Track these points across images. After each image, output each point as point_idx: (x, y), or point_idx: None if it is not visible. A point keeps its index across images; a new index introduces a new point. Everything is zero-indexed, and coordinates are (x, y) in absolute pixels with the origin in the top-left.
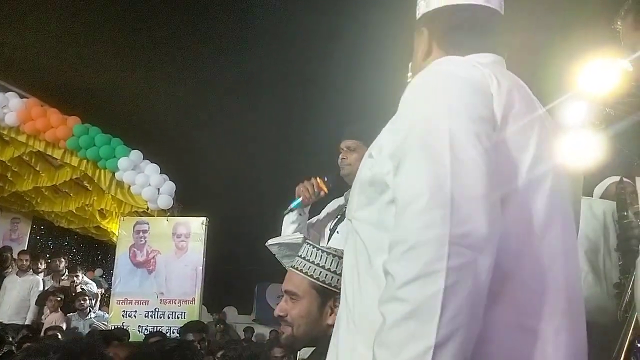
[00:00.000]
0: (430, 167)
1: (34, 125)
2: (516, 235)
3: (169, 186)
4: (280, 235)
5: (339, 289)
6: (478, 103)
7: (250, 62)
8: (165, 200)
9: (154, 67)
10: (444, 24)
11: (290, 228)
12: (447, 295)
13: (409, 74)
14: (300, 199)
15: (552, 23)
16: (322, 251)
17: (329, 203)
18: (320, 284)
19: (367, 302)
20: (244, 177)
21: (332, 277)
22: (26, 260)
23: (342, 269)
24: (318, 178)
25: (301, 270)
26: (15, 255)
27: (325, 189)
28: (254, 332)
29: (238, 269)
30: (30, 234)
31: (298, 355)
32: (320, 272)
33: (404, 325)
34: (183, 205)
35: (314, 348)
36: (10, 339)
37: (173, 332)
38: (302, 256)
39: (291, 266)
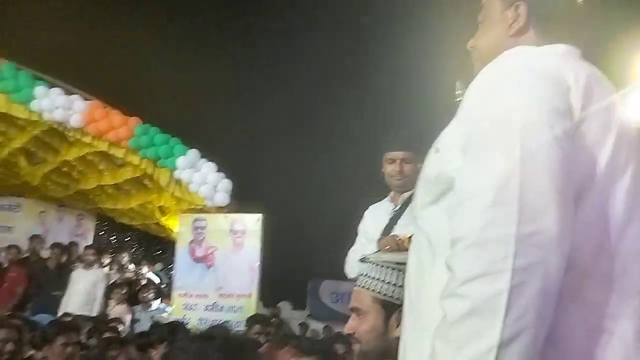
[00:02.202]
0: (499, 160)
1: (97, 126)
2: (593, 232)
3: (225, 184)
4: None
5: (402, 301)
6: (553, 95)
7: (318, 54)
8: (222, 197)
9: (211, 68)
10: (544, 7)
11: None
12: (513, 295)
13: (470, 44)
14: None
15: (616, 15)
16: (382, 266)
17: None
18: (382, 297)
19: (432, 299)
20: (299, 175)
21: (394, 289)
22: (92, 254)
23: (407, 268)
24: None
25: (364, 287)
26: (81, 250)
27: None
28: (308, 327)
29: (293, 265)
30: (94, 230)
31: None
32: (382, 286)
33: (466, 322)
34: (239, 202)
35: None
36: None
37: (239, 325)
38: (364, 274)
39: (355, 285)
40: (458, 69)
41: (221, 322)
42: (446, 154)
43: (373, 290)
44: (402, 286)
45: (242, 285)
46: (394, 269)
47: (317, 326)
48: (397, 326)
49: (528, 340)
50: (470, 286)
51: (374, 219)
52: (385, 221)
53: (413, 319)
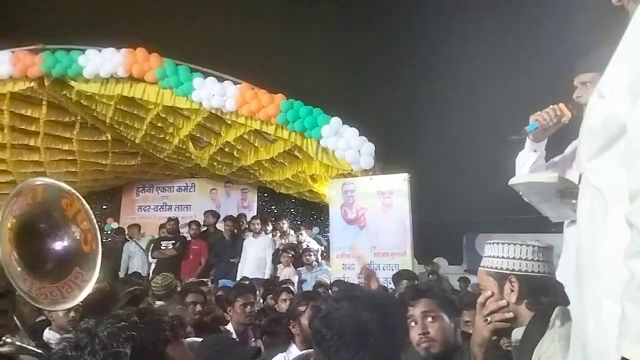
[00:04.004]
0: None
1: (249, 107)
2: None
3: (368, 147)
4: (509, 181)
5: (512, 269)
6: None
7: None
8: (366, 160)
9: (343, 35)
10: None
11: (524, 168)
12: None
13: None
14: (537, 123)
15: None
16: (493, 244)
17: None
18: (492, 269)
19: (606, 255)
20: (446, 130)
21: (502, 261)
22: (257, 223)
23: (577, 224)
24: (561, 103)
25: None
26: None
27: (569, 114)
28: (469, 282)
29: (445, 220)
30: (257, 201)
31: (512, 336)
32: (492, 260)
33: None
34: (384, 163)
35: (525, 327)
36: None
37: (389, 283)
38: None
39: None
40: None
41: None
42: (612, 97)
43: (484, 266)
44: (512, 258)
45: (395, 243)
46: (497, 243)
47: (476, 280)
48: (512, 291)
49: None
50: None
51: (573, 144)
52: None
53: (586, 278)
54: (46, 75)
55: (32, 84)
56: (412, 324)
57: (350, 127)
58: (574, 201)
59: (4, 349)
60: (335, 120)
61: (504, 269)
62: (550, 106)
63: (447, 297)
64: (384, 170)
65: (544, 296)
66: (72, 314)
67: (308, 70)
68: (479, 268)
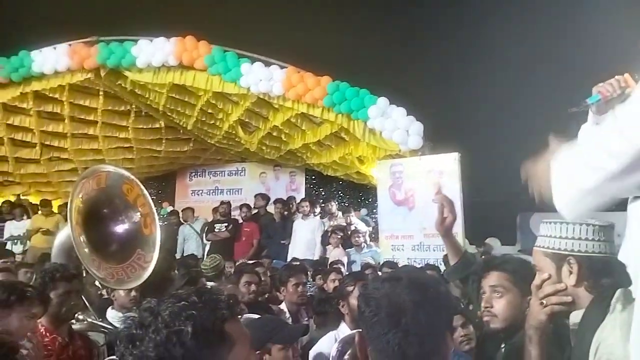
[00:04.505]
0: None
1: (296, 90)
2: None
3: (417, 127)
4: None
5: (570, 250)
6: None
7: None
8: (415, 140)
9: (387, 20)
10: None
11: None
12: None
13: None
14: (599, 95)
15: None
16: (549, 223)
17: None
18: (548, 250)
19: None
20: (494, 106)
21: (560, 242)
22: (306, 206)
23: None
24: (627, 74)
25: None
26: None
27: (634, 85)
28: None
29: (498, 199)
30: (305, 184)
31: (570, 319)
32: (548, 240)
33: None
34: (433, 143)
35: (584, 311)
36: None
37: (441, 264)
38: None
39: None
40: None
41: (428, 261)
42: None
43: (540, 246)
44: (567, 238)
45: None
46: (554, 223)
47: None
48: (571, 274)
49: None
50: None
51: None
52: None
53: None
54: (102, 66)
55: (89, 75)
56: (483, 294)
57: (398, 107)
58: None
59: (77, 326)
60: (382, 101)
61: (562, 250)
62: (615, 77)
63: (521, 273)
64: (434, 149)
65: (605, 278)
66: (133, 293)
67: (355, 51)
68: (534, 248)
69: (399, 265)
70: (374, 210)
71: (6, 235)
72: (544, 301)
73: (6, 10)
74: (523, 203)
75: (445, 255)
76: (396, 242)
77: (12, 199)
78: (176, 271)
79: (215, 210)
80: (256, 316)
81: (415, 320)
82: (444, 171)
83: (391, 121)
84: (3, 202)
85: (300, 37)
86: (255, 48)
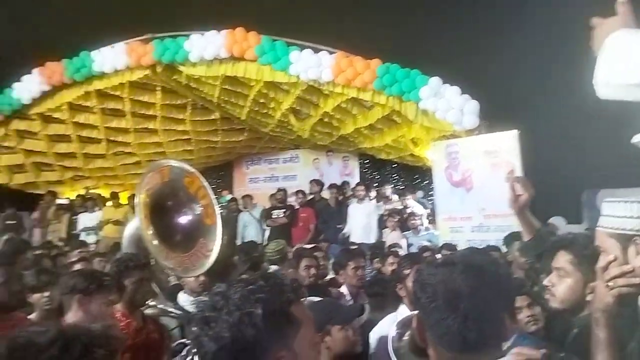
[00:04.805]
0: None
1: (345, 75)
2: None
3: (472, 105)
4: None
5: (638, 230)
6: None
7: None
8: (470, 119)
9: None
10: None
11: None
12: None
13: None
14: None
15: None
16: (613, 202)
17: None
18: (613, 230)
19: None
20: (554, 80)
21: (626, 221)
22: (361, 190)
23: None
24: None
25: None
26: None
27: None
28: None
29: (561, 177)
30: (359, 168)
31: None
32: (613, 220)
33: None
34: (490, 121)
35: None
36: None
37: (501, 245)
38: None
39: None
40: None
41: (489, 242)
42: None
43: (604, 227)
44: (629, 217)
45: (506, 204)
46: (619, 202)
47: None
48: (638, 255)
49: None
50: None
51: None
52: None
53: None
54: (157, 63)
55: (147, 72)
56: (549, 273)
57: (452, 85)
58: None
59: (149, 311)
60: (435, 80)
61: (628, 230)
62: None
63: (587, 255)
64: (491, 128)
65: None
66: (202, 278)
67: (403, 31)
68: (597, 229)
69: (458, 248)
70: (430, 193)
71: (80, 227)
72: (611, 283)
73: (66, 13)
74: (589, 179)
75: (507, 236)
76: (454, 224)
77: (83, 192)
78: (237, 257)
79: (271, 197)
80: (317, 299)
81: (473, 305)
82: (503, 149)
83: (444, 101)
84: (76, 196)
85: (348, 21)
86: (303, 35)
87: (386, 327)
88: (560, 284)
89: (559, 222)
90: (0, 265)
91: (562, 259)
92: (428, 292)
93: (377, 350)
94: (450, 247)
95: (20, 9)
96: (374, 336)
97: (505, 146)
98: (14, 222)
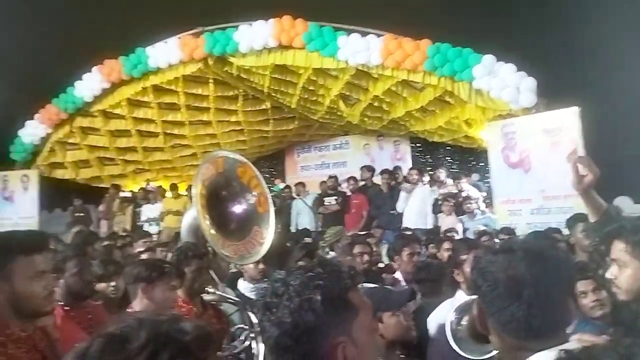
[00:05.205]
0: None
1: (394, 58)
2: None
3: (528, 82)
4: None
5: None
6: None
7: None
8: (527, 97)
9: None
10: None
11: None
12: None
13: None
14: None
15: None
16: None
17: None
18: None
19: None
20: (616, 52)
21: None
22: (415, 174)
23: None
24: None
25: None
26: (404, 173)
27: None
28: None
29: (626, 154)
30: (411, 152)
31: None
32: None
33: None
34: (548, 99)
35: None
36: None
37: (563, 227)
38: None
39: None
40: None
41: (550, 225)
42: None
43: None
44: None
45: (567, 184)
46: None
47: None
48: None
49: None
50: None
51: None
52: None
53: None
54: (209, 55)
55: (199, 65)
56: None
57: (506, 63)
58: None
59: (209, 297)
60: (488, 58)
61: None
62: None
63: None
64: (549, 106)
65: None
66: (261, 266)
67: (453, 8)
68: None
69: (517, 232)
70: (487, 175)
71: (143, 218)
72: None
73: (119, 10)
74: None
75: (569, 218)
76: (513, 207)
77: (144, 185)
78: (290, 244)
79: (322, 184)
80: (372, 285)
81: (537, 292)
82: (563, 127)
83: (499, 79)
84: (139, 189)
85: (395, 2)
86: (350, 19)
87: (444, 313)
88: (621, 275)
89: (625, 202)
90: (73, 256)
91: (617, 249)
92: (489, 280)
93: (437, 336)
94: (508, 230)
95: (77, 10)
96: (432, 322)
97: (565, 124)
98: (82, 214)
